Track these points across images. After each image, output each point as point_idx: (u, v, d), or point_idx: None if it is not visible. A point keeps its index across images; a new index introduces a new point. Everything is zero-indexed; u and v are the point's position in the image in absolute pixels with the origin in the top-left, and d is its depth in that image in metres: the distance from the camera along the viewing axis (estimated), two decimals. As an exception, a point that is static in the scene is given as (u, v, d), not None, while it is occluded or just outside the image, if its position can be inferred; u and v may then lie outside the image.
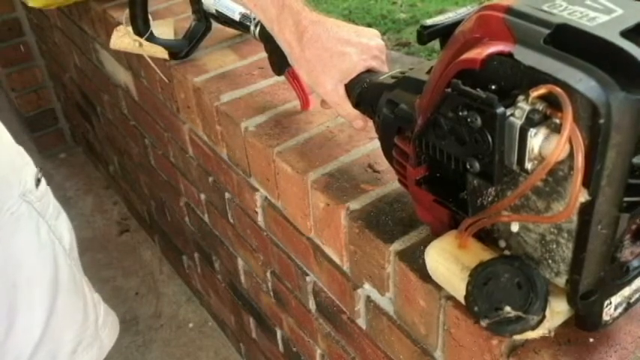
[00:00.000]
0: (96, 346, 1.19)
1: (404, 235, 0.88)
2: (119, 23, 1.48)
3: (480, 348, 0.76)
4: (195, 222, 1.73)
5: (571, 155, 0.54)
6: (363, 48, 0.90)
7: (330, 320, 1.17)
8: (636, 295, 0.68)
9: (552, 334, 0.65)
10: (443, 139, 0.65)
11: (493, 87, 0.59)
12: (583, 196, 0.56)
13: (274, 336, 1.53)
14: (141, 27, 1.29)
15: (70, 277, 1.11)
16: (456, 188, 0.71)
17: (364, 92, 0.89)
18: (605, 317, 0.66)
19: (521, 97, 0.56)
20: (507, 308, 0.61)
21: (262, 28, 1.16)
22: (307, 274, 1.17)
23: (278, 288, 1.35)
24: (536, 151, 0.56)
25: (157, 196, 1.98)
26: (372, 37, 0.92)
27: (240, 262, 1.52)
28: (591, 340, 0.71)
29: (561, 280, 0.63)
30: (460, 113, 0.60)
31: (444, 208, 0.74)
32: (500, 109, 0.56)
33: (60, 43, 2.23)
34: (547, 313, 0.62)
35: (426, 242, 0.77)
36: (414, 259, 0.84)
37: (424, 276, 0.79)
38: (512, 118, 0.56)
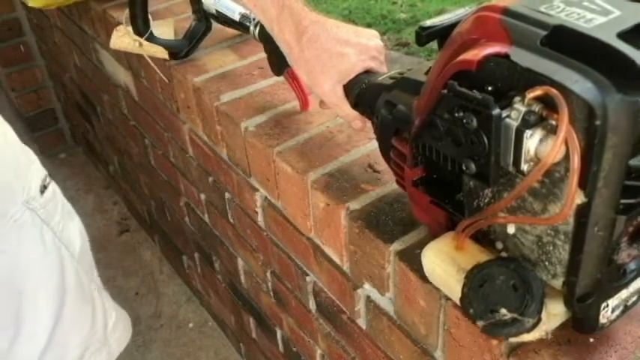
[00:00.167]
0: (104, 351, 1.19)
1: (404, 235, 0.88)
2: (119, 23, 1.48)
3: (479, 348, 0.76)
4: (195, 222, 1.73)
5: (567, 157, 0.54)
6: (361, 49, 0.90)
7: (330, 320, 1.17)
8: (634, 298, 0.68)
9: (549, 336, 0.65)
10: (439, 141, 0.65)
11: (490, 88, 0.59)
12: (579, 198, 0.56)
13: (274, 336, 1.53)
14: (141, 27, 1.29)
15: (77, 283, 1.11)
16: (452, 189, 0.70)
17: (363, 93, 0.89)
18: (603, 320, 0.66)
19: (517, 99, 0.55)
20: (503, 310, 0.61)
21: (262, 28, 1.16)
22: (307, 274, 1.17)
23: (278, 288, 1.35)
24: (532, 152, 0.56)
25: (157, 196, 1.98)
26: (370, 38, 0.92)
27: (240, 262, 1.52)
28: (591, 340, 0.71)
29: (558, 283, 0.63)
30: (456, 114, 0.60)
31: (441, 209, 0.74)
32: (496, 111, 0.56)
33: (60, 43, 2.24)
34: (544, 315, 0.62)
35: (426, 242, 0.76)
36: (414, 259, 0.83)
37: (424, 276, 0.79)
38: (508, 120, 0.56)
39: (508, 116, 0.56)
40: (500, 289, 0.62)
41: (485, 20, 0.61)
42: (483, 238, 0.70)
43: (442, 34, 0.73)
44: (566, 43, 0.56)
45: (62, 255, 1.07)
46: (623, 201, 0.57)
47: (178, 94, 1.39)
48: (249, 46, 1.38)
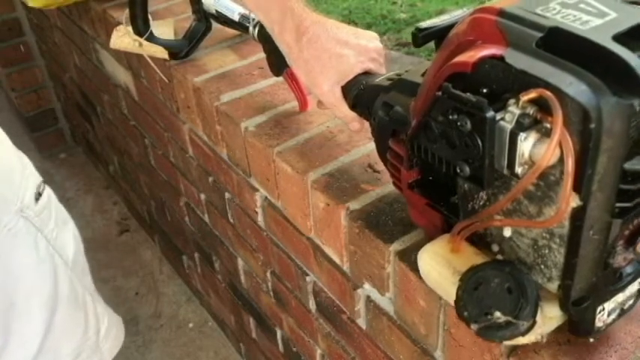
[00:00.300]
0: (96, 358, 1.18)
1: (404, 235, 0.88)
2: (119, 23, 1.49)
3: (479, 348, 0.76)
4: (195, 222, 1.73)
5: (562, 160, 0.54)
6: (361, 50, 0.90)
7: (330, 320, 1.17)
8: (630, 302, 0.68)
9: (544, 340, 0.65)
10: (434, 143, 0.64)
11: (485, 90, 0.58)
12: (574, 201, 0.55)
13: (274, 336, 1.53)
14: (141, 27, 1.29)
15: (70, 291, 1.11)
16: (447, 192, 0.70)
17: (361, 94, 0.89)
18: (599, 323, 0.66)
19: (511, 101, 0.55)
20: (497, 313, 0.61)
21: (261, 29, 1.16)
22: (307, 274, 1.17)
23: (278, 288, 1.35)
24: (526, 155, 0.55)
25: (157, 196, 1.98)
26: (370, 40, 0.92)
27: (240, 262, 1.52)
28: (591, 340, 0.71)
29: (554, 286, 0.63)
30: (450, 117, 0.59)
31: (437, 212, 0.74)
32: (490, 113, 0.55)
33: (60, 43, 2.24)
34: (539, 318, 0.61)
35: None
36: (414, 259, 0.83)
37: (424, 276, 0.79)
38: (502, 122, 0.55)
39: (502, 119, 0.55)
40: (494, 292, 0.62)
41: (481, 22, 0.61)
42: (479, 240, 0.70)
43: (439, 35, 0.73)
44: (562, 45, 0.55)
45: (55, 263, 1.07)
46: (618, 204, 0.57)
47: (178, 94, 1.39)
48: (249, 46, 1.38)
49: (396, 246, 0.87)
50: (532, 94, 0.53)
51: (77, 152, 2.83)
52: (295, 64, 0.93)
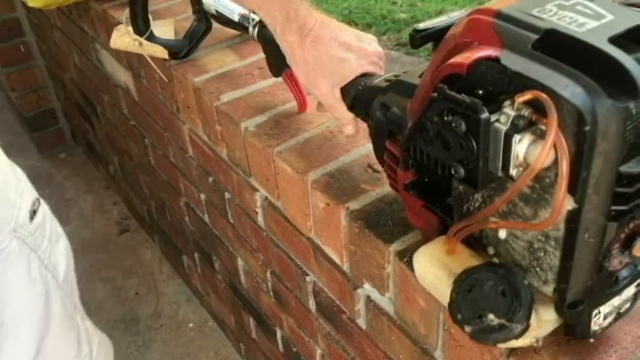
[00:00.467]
0: None
1: (404, 235, 0.88)
2: (119, 23, 1.48)
3: (479, 348, 0.76)
4: (195, 222, 1.73)
5: (557, 162, 0.53)
6: (362, 54, 0.90)
7: (330, 320, 1.17)
8: (626, 305, 0.67)
9: (540, 343, 0.64)
10: (429, 144, 0.64)
11: (480, 92, 0.58)
12: (569, 204, 0.55)
13: (274, 336, 1.53)
14: (141, 26, 1.29)
15: (62, 312, 1.09)
16: (443, 194, 0.70)
17: (359, 95, 0.89)
18: (594, 327, 0.65)
19: (507, 103, 0.55)
20: (491, 316, 0.61)
21: (261, 29, 1.16)
22: (307, 274, 1.17)
23: (278, 288, 1.35)
24: (521, 157, 0.55)
25: (157, 196, 1.98)
26: (370, 43, 0.92)
27: (240, 262, 1.52)
28: (591, 340, 0.70)
29: (549, 289, 0.63)
30: (445, 118, 0.59)
31: (433, 213, 0.74)
32: (485, 115, 0.55)
33: (60, 43, 2.24)
34: (535, 321, 0.61)
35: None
36: (414, 259, 0.84)
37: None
38: (497, 124, 0.55)
39: (497, 120, 0.55)
40: (488, 294, 0.61)
41: (478, 23, 0.61)
42: (475, 243, 0.70)
43: (437, 36, 0.72)
44: (558, 47, 0.55)
45: (48, 283, 1.04)
46: (614, 207, 0.57)
47: (178, 94, 1.39)
48: (249, 46, 1.38)
49: (395, 246, 0.86)
50: (527, 96, 0.53)
51: (77, 152, 2.83)
52: (296, 65, 0.92)
